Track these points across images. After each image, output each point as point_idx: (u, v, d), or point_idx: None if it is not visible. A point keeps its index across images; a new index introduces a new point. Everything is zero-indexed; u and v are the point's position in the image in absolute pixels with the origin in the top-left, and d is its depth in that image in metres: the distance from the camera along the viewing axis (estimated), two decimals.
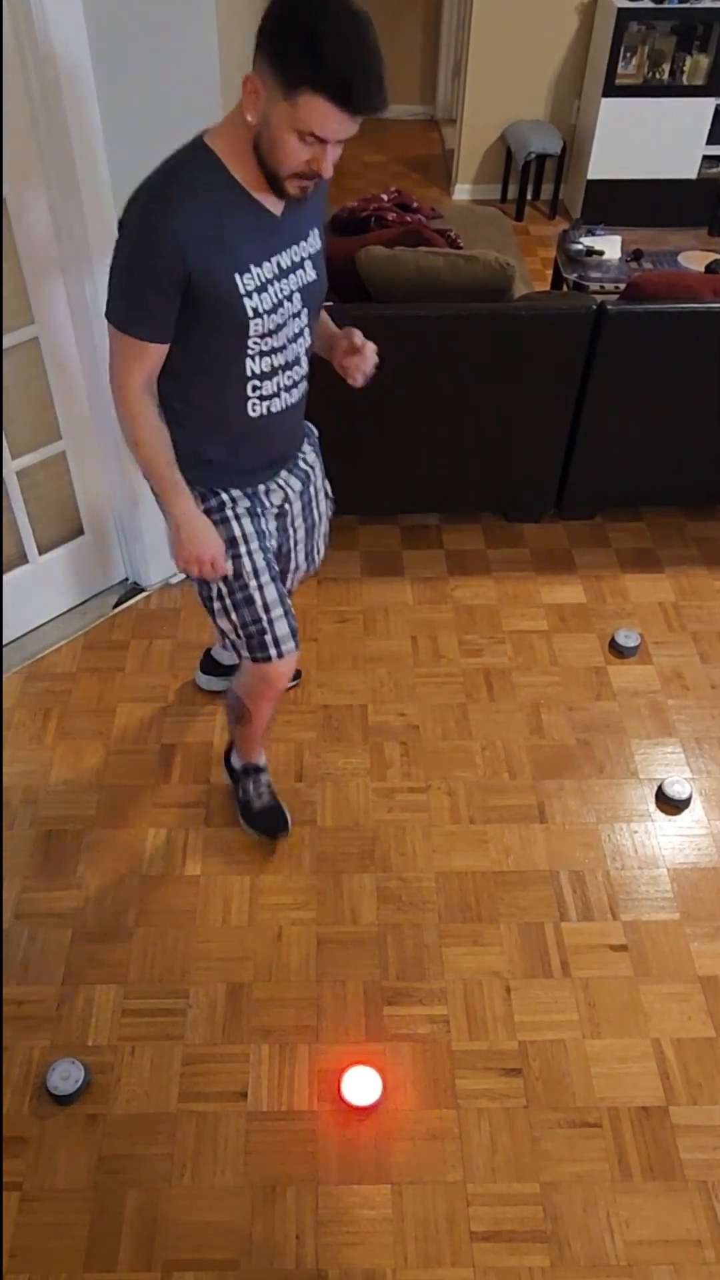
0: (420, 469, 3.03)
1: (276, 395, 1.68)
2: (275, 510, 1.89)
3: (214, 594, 1.82)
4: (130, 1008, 1.97)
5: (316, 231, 1.62)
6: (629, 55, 4.92)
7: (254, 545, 1.79)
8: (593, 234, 4.01)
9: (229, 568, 1.79)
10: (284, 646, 1.85)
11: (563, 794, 2.40)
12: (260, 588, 1.80)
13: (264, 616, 1.82)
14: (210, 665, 2.62)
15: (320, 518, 2.05)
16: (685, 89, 5.03)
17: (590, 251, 3.86)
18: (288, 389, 1.69)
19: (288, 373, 1.67)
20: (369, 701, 2.63)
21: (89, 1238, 1.67)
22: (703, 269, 3.74)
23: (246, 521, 1.79)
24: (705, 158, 5.25)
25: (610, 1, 4.81)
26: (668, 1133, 1.80)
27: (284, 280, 1.56)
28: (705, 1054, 1.91)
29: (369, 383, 1.77)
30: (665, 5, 4.77)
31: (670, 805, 2.37)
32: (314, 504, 2.00)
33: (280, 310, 1.57)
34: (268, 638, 1.84)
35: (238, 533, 1.78)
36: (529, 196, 5.60)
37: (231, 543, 1.77)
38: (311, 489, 1.97)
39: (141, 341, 1.51)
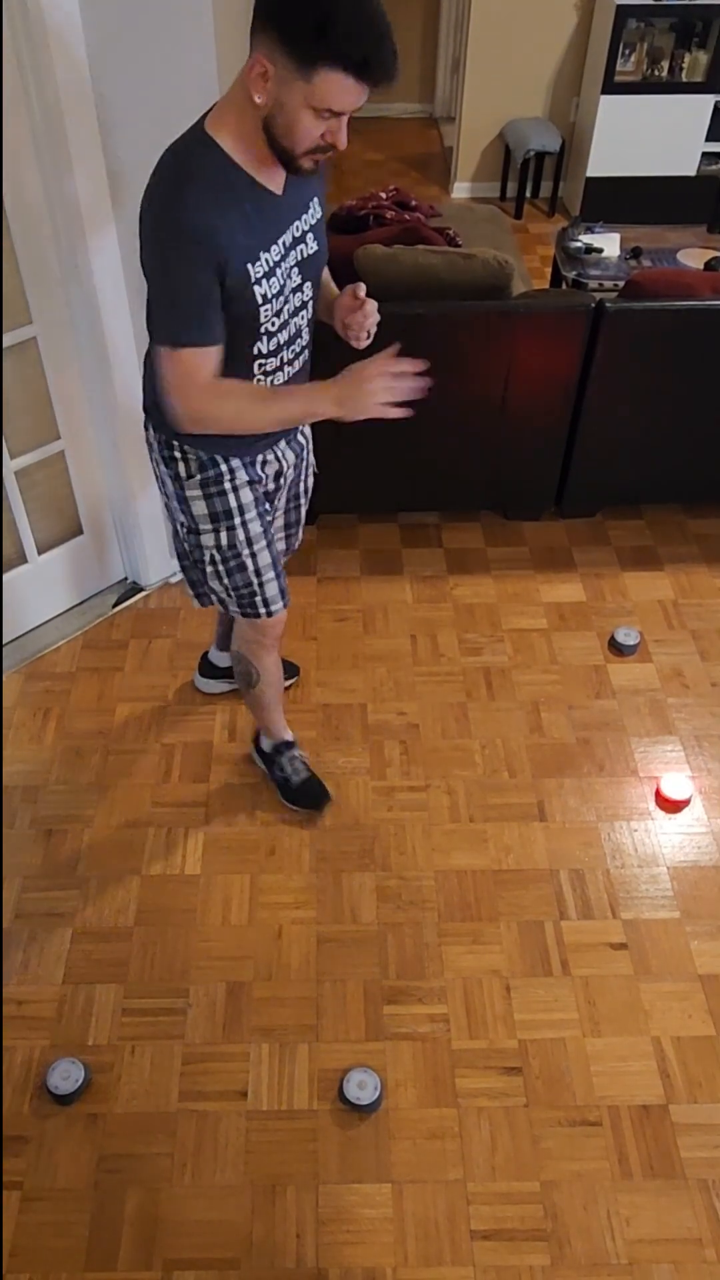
0: (419, 467, 3.03)
1: (280, 369, 1.69)
2: (271, 484, 1.92)
3: (208, 560, 1.88)
4: (130, 1007, 1.97)
5: (317, 201, 1.61)
6: (628, 52, 4.91)
7: (250, 514, 1.82)
8: (591, 231, 4.01)
9: (219, 563, 1.85)
10: (273, 607, 1.95)
11: (562, 792, 2.40)
12: (254, 555, 1.86)
13: (254, 580, 1.90)
14: (208, 669, 2.62)
15: (306, 491, 2.09)
16: (684, 86, 5.02)
17: (589, 249, 3.86)
18: (290, 362, 1.70)
19: (291, 347, 1.68)
20: (368, 700, 2.63)
21: (90, 1237, 1.67)
22: (702, 266, 3.74)
23: (245, 491, 1.81)
24: (704, 154, 5.24)
25: None
26: (668, 1131, 1.80)
27: (287, 258, 1.55)
28: (705, 1052, 1.91)
29: (370, 341, 1.73)
30: (664, 2, 4.76)
31: (670, 804, 2.36)
32: (302, 479, 2.03)
33: (285, 289, 1.57)
34: (257, 599, 1.93)
35: (234, 504, 1.80)
36: (528, 194, 5.59)
37: (228, 514, 1.80)
38: (303, 465, 2.00)
39: (201, 348, 1.48)
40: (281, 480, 1.94)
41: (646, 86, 5.02)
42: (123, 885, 2.19)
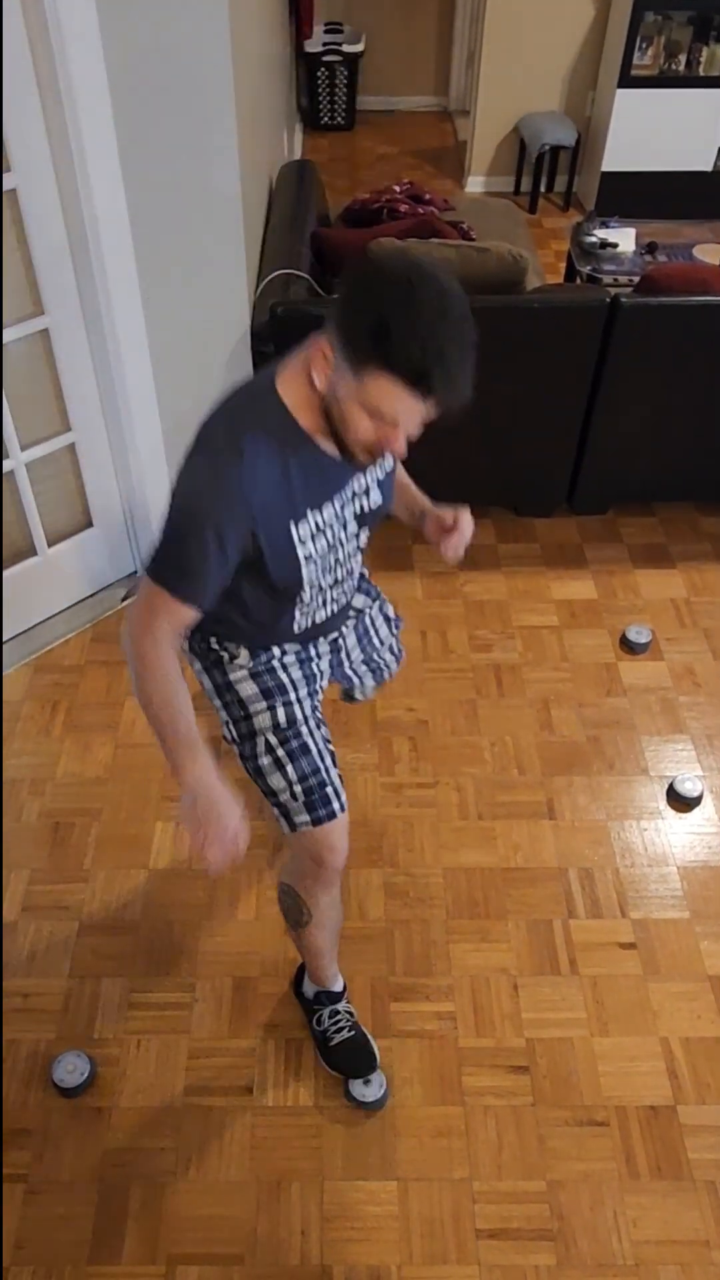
0: (430, 462, 3.01)
1: (324, 606, 1.57)
2: (328, 659, 1.74)
3: (263, 748, 1.58)
4: (136, 1001, 1.97)
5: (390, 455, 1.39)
6: (645, 46, 4.87)
7: (303, 692, 1.62)
8: (607, 226, 3.98)
9: (277, 746, 1.59)
10: (343, 798, 1.61)
11: (572, 790, 2.39)
12: (313, 733, 1.61)
13: (320, 765, 1.59)
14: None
15: (381, 643, 1.87)
16: (702, 80, 4.97)
17: (604, 244, 3.83)
18: (336, 599, 1.59)
19: (340, 586, 1.57)
20: (378, 696, 2.62)
21: (94, 1230, 1.67)
22: (718, 262, 3.71)
23: (296, 670, 1.63)
24: None
25: None
26: (675, 1132, 1.79)
27: (343, 513, 1.45)
28: (714, 1053, 1.90)
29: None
30: None
31: (681, 803, 2.35)
32: (371, 633, 1.83)
33: (335, 541, 1.46)
34: (329, 789, 1.58)
35: (285, 680, 1.61)
36: (542, 188, 5.56)
37: (281, 689, 1.60)
38: (366, 620, 1.82)
39: (178, 601, 1.34)
40: (340, 641, 1.75)
41: (663, 80, 4.97)
42: (130, 879, 2.19)
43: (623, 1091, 1.84)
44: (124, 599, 2.89)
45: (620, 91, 4.97)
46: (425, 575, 3.00)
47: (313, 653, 1.68)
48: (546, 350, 2.72)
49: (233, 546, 1.32)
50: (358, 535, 1.52)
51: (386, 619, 1.88)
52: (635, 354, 2.74)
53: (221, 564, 1.33)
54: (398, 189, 3.78)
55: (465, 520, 1.56)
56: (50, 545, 2.70)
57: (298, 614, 1.53)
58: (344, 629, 1.75)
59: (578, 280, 3.90)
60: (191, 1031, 1.93)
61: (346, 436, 1.28)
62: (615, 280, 3.68)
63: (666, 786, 2.39)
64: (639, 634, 2.76)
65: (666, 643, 2.79)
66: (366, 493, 1.48)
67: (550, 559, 3.07)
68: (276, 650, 1.61)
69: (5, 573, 2.61)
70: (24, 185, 2.10)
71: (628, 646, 2.76)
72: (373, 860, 2.23)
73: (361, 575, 1.76)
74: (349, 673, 1.83)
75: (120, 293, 2.29)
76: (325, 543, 1.44)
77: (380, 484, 1.51)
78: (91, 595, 2.89)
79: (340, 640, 1.75)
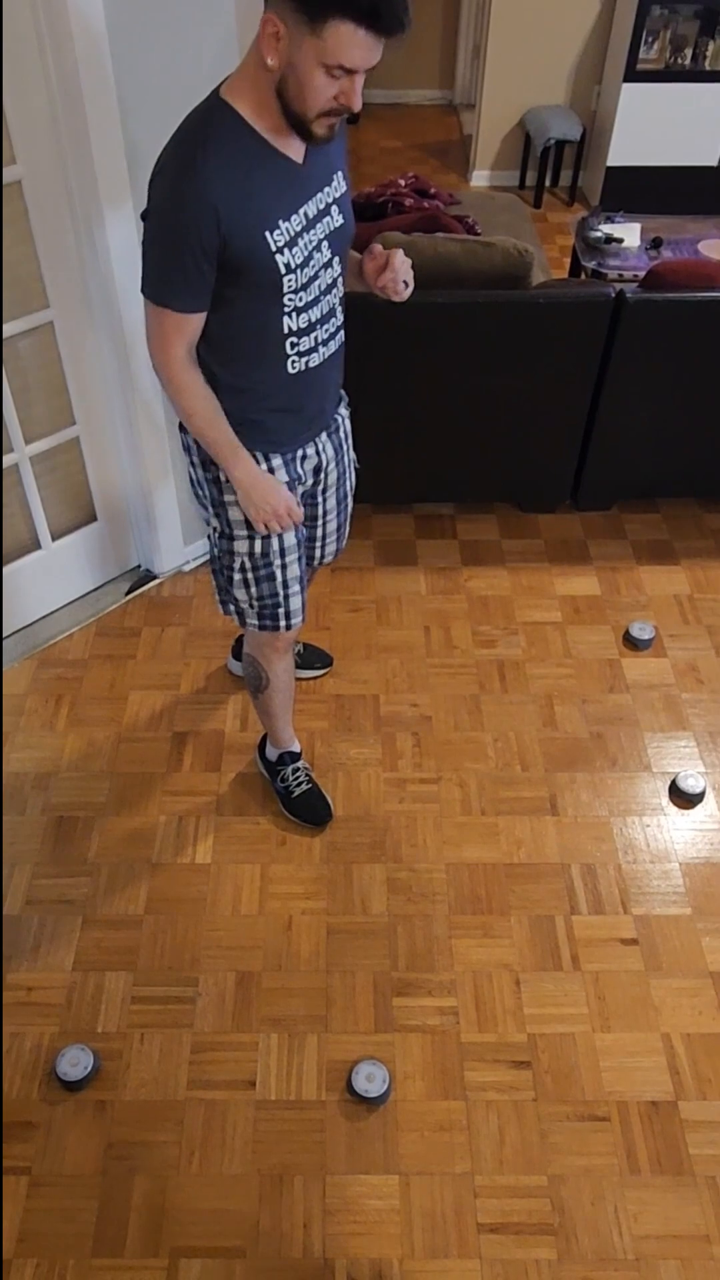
0: (435, 458, 3.01)
1: (314, 350, 1.65)
2: (310, 480, 1.88)
3: (237, 567, 1.85)
4: (140, 995, 1.98)
5: (341, 174, 1.58)
6: (651, 40, 4.85)
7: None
8: (612, 221, 3.97)
9: (249, 571, 1.83)
10: (294, 620, 1.95)
11: (575, 787, 2.39)
12: (284, 566, 1.85)
13: (281, 593, 1.89)
14: (242, 652, 2.61)
15: (349, 492, 2.04)
16: (708, 74, 4.95)
17: (609, 239, 3.82)
18: (324, 342, 1.66)
19: (324, 326, 1.64)
20: (381, 691, 2.62)
21: (97, 1223, 1.68)
22: None
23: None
24: None
25: None
26: (676, 1127, 1.79)
27: (312, 230, 1.52)
28: (715, 1049, 1.90)
29: (411, 289, 1.69)
30: None
31: (683, 799, 2.35)
32: (345, 476, 1.99)
33: (311, 262, 1.54)
34: (280, 611, 1.92)
35: None
36: (548, 183, 5.55)
37: None
38: (345, 459, 1.96)
39: (180, 313, 1.49)
40: (322, 476, 1.90)
41: (669, 75, 4.95)
42: (133, 873, 2.19)
43: (624, 1087, 1.85)
44: (128, 593, 2.89)
45: (626, 86, 4.95)
46: (429, 571, 3.00)
47: (299, 472, 1.81)
48: (551, 346, 2.71)
49: (206, 250, 1.41)
50: (331, 263, 1.60)
51: (354, 465, 2.03)
52: (640, 349, 2.74)
53: (203, 268, 1.43)
54: (402, 182, 3.77)
55: (396, 256, 1.64)
56: (54, 539, 2.70)
57: (290, 352, 1.61)
58: (325, 457, 1.86)
59: (583, 275, 3.89)
60: (194, 1025, 1.93)
61: (306, 108, 1.36)
62: (620, 275, 3.68)
63: (669, 783, 2.39)
64: (642, 630, 2.76)
65: (670, 639, 2.79)
66: (329, 210, 1.55)
67: (554, 555, 3.07)
68: (267, 466, 1.73)
69: (9, 567, 2.62)
70: (30, 174, 2.10)
71: (631, 643, 2.76)
72: (375, 856, 2.23)
73: (342, 395, 1.90)
74: (320, 518, 1.99)
75: (125, 283, 2.29)
76: (303, 254, 1.52)
77: (339, 203, 1.58)
78: (95, 589, 2.89)
79: (322, 476, 1.90)
